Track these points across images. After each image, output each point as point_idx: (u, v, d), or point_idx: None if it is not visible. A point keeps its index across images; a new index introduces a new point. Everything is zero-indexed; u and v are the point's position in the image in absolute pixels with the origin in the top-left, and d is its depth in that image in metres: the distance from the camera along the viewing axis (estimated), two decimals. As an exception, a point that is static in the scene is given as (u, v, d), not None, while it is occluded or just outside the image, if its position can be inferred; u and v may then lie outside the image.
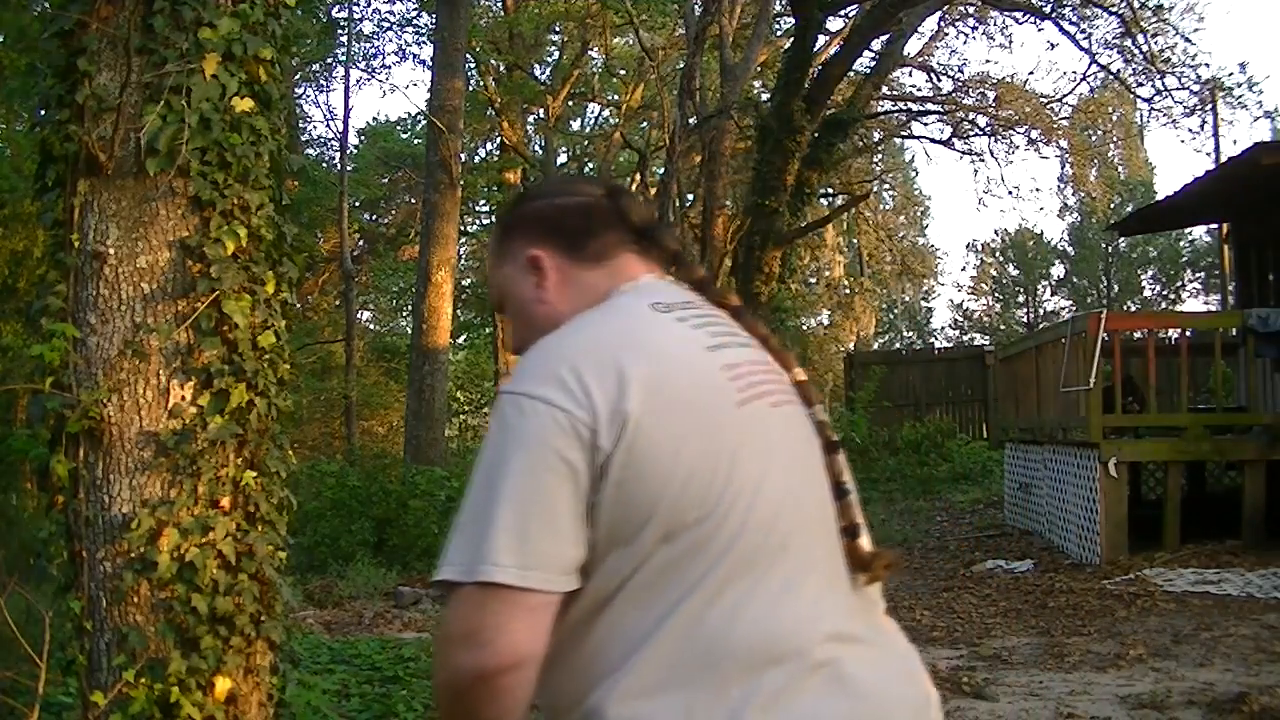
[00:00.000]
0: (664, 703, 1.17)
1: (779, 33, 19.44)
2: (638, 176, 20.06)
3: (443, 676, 1.21)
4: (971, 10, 18.98)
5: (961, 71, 21.49)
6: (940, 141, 21.82)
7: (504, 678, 1.16)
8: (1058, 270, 45.78)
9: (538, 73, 24.06)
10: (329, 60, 23.44)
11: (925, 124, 22.03)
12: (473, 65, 20.55)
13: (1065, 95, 21.29)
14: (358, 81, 42.13)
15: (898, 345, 40.27)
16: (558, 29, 23.47)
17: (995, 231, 50.41)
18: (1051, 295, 45.60)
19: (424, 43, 21.81)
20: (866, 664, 1.25)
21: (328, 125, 31.66)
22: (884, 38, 15.39)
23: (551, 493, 1.18)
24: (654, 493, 1.19)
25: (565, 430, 1.19)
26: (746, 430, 1.26)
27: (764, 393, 1.31)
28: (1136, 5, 15.87)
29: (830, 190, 20.89)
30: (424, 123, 18.78)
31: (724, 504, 1.21)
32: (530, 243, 1.45)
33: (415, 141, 25.33)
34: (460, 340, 29.79)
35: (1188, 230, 35.66)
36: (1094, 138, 23.83)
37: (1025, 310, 45.42)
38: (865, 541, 1.34)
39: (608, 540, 1.20)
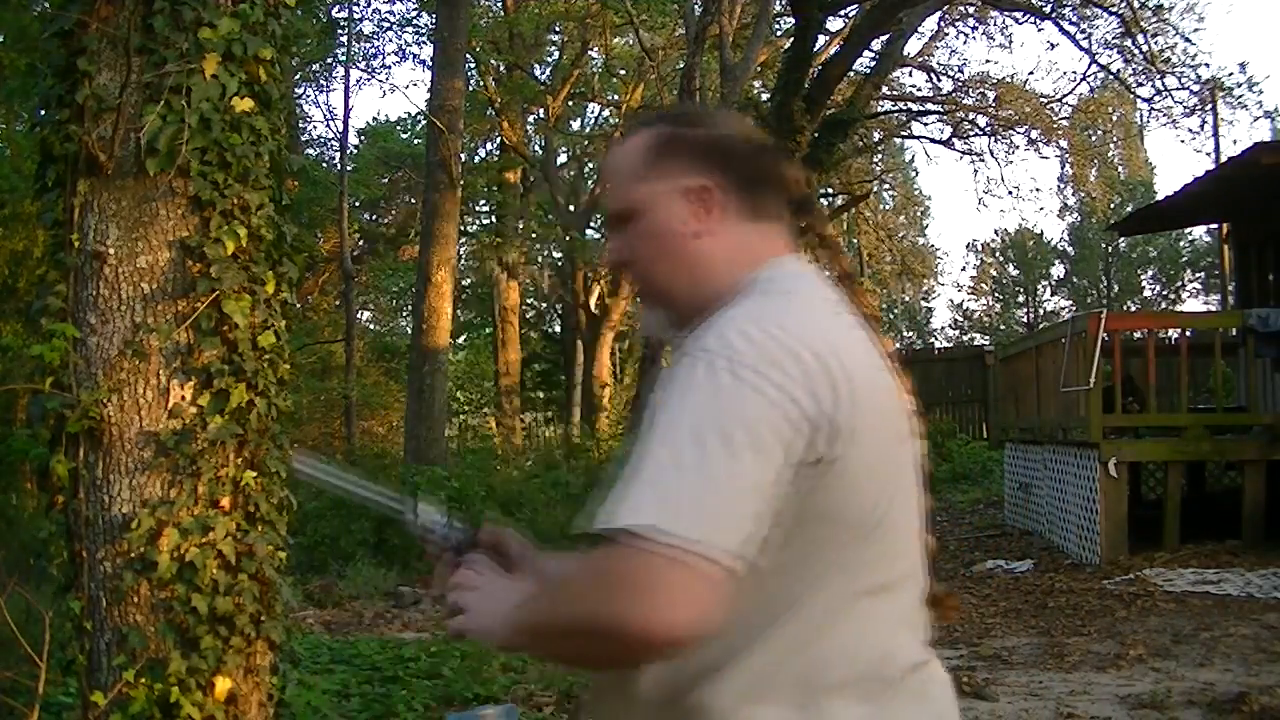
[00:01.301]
0: (777, 713, 1.17)
1: (779, 33, 19.42)
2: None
3: (581, 612, 1.09)
4: (971, 10, 18.96)
5: (961, 71, 21.47)
6: (940, 141, 21.82)
7: (659, 648, 1.06)
8: (1058, 270, 45.79)
9: (538, 73, 24.04)
10: (329, 60, 23.44)
11: (925, 124, 22.03)
12: (473, 65, 20.54)
13: (1065, 95, 21.26)
14: (358, 81, 42.07)
15: (898, 345, 40.06)
16: (558, 29, 23.45)
17: (995, 231, 50.40)
18: (1051, 295, 45.61)
19: (424, 43, 21.81)
20: (940, 683, 1.31)
21: (328, 125, 31.63)
22: (884, 38, 15.37)
23: (755, 474, 1.09)
24: (838, 504, 1.18)
25: (787, 418, 1.11)
26: (904, 463, 1.30)
27: (913, 429, 1.34)
28: (1136, 5, 15.85)
29: (830, 190, 20.88)
30: (424, 123, 18.77)
31: (883, 528, 1.23)
32: (698, 170, 1.31)
33: (415, 141, 25.32)
34: (460, 340, 29.79)
35: (1188, 230, 35.66)
36: (1094, 138, 23.80)
37: (1025, 310, 45.41)
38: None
39: (778, 536, 1.15)
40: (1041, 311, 44.26)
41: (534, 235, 25.22)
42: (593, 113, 27.54)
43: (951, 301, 57.23)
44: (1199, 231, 35.77)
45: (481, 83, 21.62)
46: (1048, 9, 16.62)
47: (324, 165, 23.77)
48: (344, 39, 21.74)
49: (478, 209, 27.01)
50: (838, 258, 1.37)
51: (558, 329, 28.68)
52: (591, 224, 26.20)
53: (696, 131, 1.34)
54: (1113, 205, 30.45)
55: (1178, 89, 17.00)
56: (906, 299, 43.25)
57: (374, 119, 37.40)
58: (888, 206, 32.20)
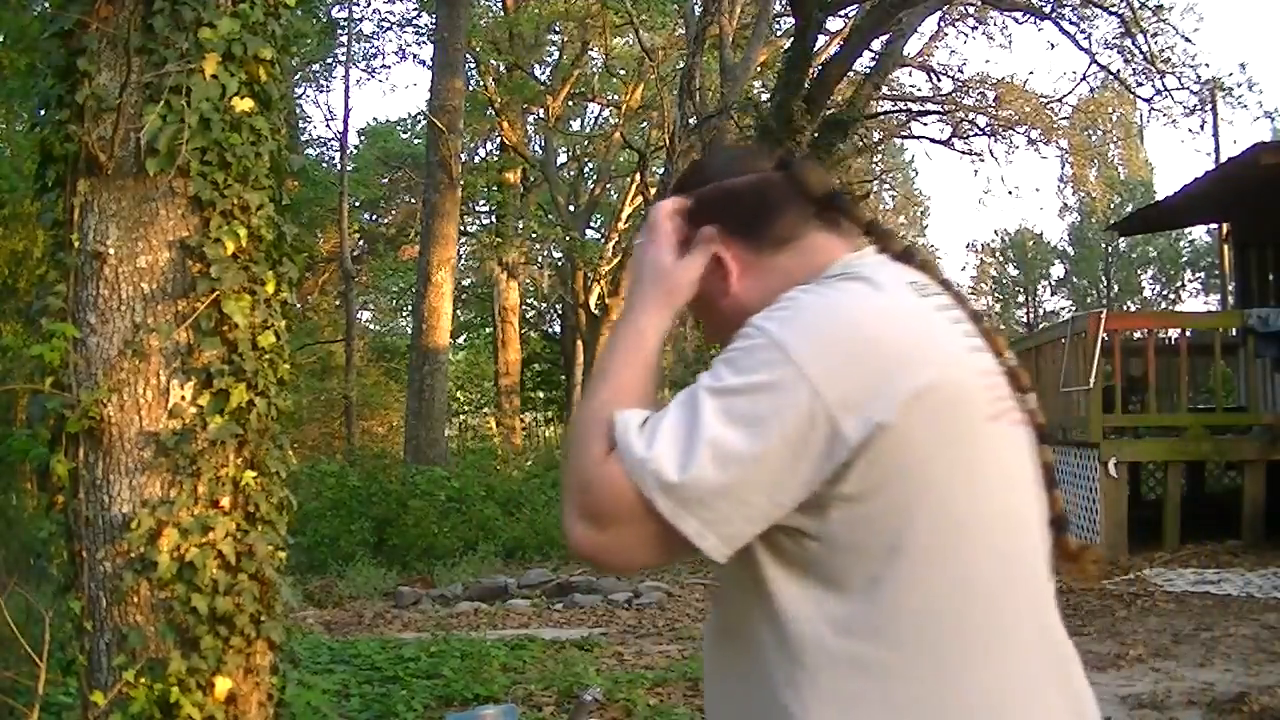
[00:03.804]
0: None
1: (779, 33, 19.42)
2: (638, 176, 20.06)
3: None
4: (971, 10, 18.97)
5: (961, 71, 21.50)
6: (940, 141, 21.82)
7: None
8: (1058, 270, 45.87)
9: (538, 73, 24.05)
10: (329, 60, 23.48)
11: (925, 124, 22.03)
12: (473, 65, 20.56)
13: (1065, 95, 21.31)
14: (358, 81, 42.14)
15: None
16: (558, 29, 23.46)
17: (995, 231, 50.47)
18: (1051, 295, 45.67)
19: (424, 43, 21.85)
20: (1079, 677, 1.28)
21: (328, 125, 31.67)
22: (884, 38, 15.37)
23: None
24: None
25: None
26: (995, 447, 1.22)
27: (1007, 409, 1.25)
28: (1136, 5, 15.85)
29: (830, 190, 20.83)
30: (424, 123, 18.79)
31: (968, 528, 1.17)
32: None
33: (415, 141, 25.33)
34: (460, 340, 29.80)
35: (1188, 230, 35.68)
36: (1094, 138, 23.81)
37: (1025, 310, 45.44)
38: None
39: None
40: (1041, 311, 44.32)
41: (534, 235, 25.23)
42: (593, 113, 27.57)
43: (951, 301, 57.08)
44: (1199, 231, 35.82)
45: (481, 83, 21.63)
46: (1048, 9, 16.62)
47: (324, 165, 23.78)
48: (344, 39, 21.78)
49: (478, 209, 27.03)
50: (888, 239, 1.31)
51: (558, 329, 28.68)
52: (591, 224, 26.18)
53: (685, 199, 1.35)
54: (1113, 205, 30.47)
55: (1178, 89, 17.01)
56: (906, 299, 43.15)
57: (374, 119, 37.45)
58: (888, 206, 32.21)
